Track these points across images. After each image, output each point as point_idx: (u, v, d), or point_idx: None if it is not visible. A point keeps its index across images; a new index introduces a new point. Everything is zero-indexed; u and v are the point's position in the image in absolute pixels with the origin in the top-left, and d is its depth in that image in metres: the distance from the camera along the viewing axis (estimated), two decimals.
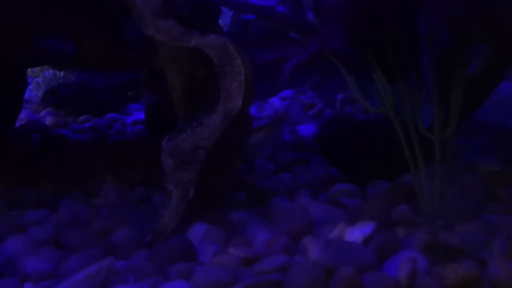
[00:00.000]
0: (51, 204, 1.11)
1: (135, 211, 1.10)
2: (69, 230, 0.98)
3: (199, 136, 0.94)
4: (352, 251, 0.76)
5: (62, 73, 2.12)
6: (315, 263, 0.74)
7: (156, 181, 1.04)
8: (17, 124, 1.65)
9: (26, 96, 2.22)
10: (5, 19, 1.18)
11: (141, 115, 1.79)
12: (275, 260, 0.78)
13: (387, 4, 0.86)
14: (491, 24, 0.86)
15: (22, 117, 1.91)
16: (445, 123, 0.94)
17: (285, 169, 1.28)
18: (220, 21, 2.22)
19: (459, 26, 0.87)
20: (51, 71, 2.14)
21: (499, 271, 0.74)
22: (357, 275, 0.73)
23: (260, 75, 1.00)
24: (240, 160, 1.11)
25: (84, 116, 1.83)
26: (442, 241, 0.81)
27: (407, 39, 0.88)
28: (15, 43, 1.21)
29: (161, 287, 0.77)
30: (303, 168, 1.27)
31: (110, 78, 1.97)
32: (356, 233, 0.80)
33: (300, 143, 1.44)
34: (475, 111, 1.04)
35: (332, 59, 0.89)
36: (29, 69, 2.45)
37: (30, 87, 2.23)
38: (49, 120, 1.80)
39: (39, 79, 2.13)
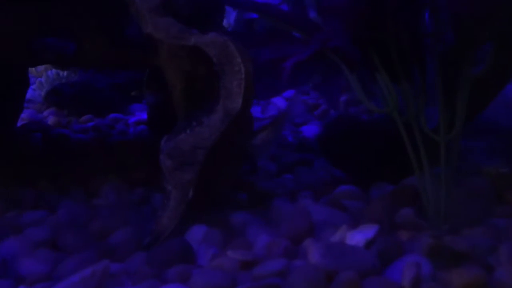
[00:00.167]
0: (50, 204, 1.10)
1: (135, 212, 1.09)
2: (66, 231, 0.96)
3: (199, 136, 0.92)
4: (353, 255, 0.74)
5: (65, 73, 2.11)
6: (315, 267, 0.72)
7: (158, 181, 1.02)
8: (19, 123, 1.65)
9: (29, 96, 2.21)
10: (4, 18, 1.16)
11: (144, 115, 1.77)
12: (274, 263, 0.76)
13: (391, 2, 0.83)
14: (498, 22, 0.83)
15: (25, 117, 1.90)
16: (451, 124, 0.91)
17: (288, 170, 1.26)
18: (224, 20, 2.21)
19: (465, 25, 0.85)
20: (54, 70, 2.13)
21: (506, 277, 0.72)
22: (358, 280, 0.70)
23: (262, 74, 0.98)
24: (241, 161, 1.08)
25: (87, 116, 1.82)
26: (447, 246, 0.78)
27: (411, 37, 0.85)
28: (14, 41, 1.19)
29: None
30: (306, 169, 1.25)
31: (113, 77, 1.96)
32: (358, 237, 0.78)
33: (303, 144, 1.42)
34: (481, 111, 1.02)
35: (334, 58, 0.87)
36: (33, 69, 2.45)
37: (33, 86, 2.22)
38: (51, 120, 1.79)
39: (42, 78, 2.12)
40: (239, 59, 0.89)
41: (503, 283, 0.72)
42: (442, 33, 0.88)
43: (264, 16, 1.01)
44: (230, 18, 2.34)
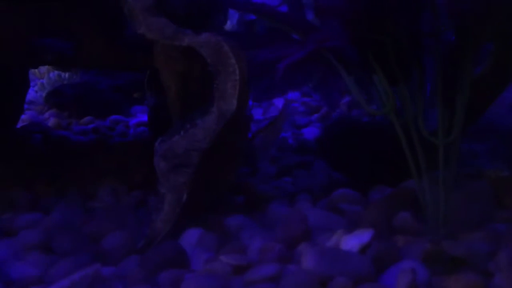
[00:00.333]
0: (45, 207, 1.09)
1: (131, 214, 1.07)
2: (60, 234, 0.95)
3: (193, 138, 0.91)
4: (347, 261, 0.72)
5: (67, 74, 2.10)
6: (308, 272, 0.70)
7: (156, 184, 1.01)
8: (20, 125, 1.64)
9: (31, 97, 2.21)
10: (3, 18, 1.16)
11: (145, 117, 1.76)
12: (267, 268, 0.74)
13: (389, 2, 0.82)
14: (498, 22, 0.81)
15: (26, 118, 1.90)
16: (451, 126, 0.89)
17: (287, 173, 1.25)
18: (228, 22, 2.20)
19: (465, 24, 0.83)
20: (56, 72, 2.13)
21: (504, 283, 0.70)
22: (352, 286, 0.69)
23: (263, 75, 0.97)
24: (238, 163, 1.07)
25: (87, 118, 1.81)
26: (445, 251, 0.76)
27: (410, 38, 0.83)
28: (12, 42, 1.19)
29: None
30: (305, 172, 1.23)
31: (114, 79, 1.95)
32: (352, 241, 0.76)
33: (303, 146, 1.41)
34: (482, 114, 1.00)
35: (332, 59, 0.85)
36: (36, 70, 2.45)
37: (35, 88, 2.22)
38: (51, 121, 1.78)
39: (44, 80, 2.11)
40: (233, 60, 0.88)
41: None
42: (442, 33, 0.86)
43: (261, 17, 1.00)
44: (233, 19, 2.34)
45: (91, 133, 1.65)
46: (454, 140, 0.87)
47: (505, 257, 0.73)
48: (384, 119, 1.09)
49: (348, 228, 0.84)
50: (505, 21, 0.82)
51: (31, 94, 2.27)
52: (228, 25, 2.31)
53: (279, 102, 1.94)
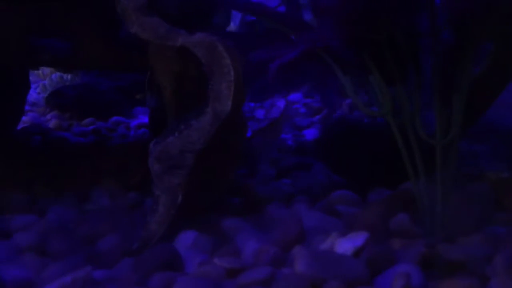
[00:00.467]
0: (41, 208, 1.08)
1: (127, 216, 1.06)
2: (54, 236, 0.94)
3: (187, 139, 0.90)
4: (341, 264, 0.71)
5: (69, 76, 2.10)
6: (300, 276, 0.69)
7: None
8: (22, 126, 1.64)
9: (33, 99, 2.21)
10: (1, 18, 1.15)
11: (146, 119, 1.76)
12: (259, 271, 0.73)
13: (385, 1, 0.80)
14: (497, 21, 0.80)
15: (27, 120, 1.90)
16: (450, 127, 0.88)
17: (286, 175, 1.23)
18: (231, 23, 2.18)
19: (464, 23, 0.81)
20: (58, 74, 2.13)
21: (500, 287, 0.68)
22: None
23: (255, 76, 0.96)
24: (235, 164, 1.06)
25: (88, 119, 1.81)
26: (441, 255, 0.75)
27: (406, 37, 0.82)
28: (9, 42, 1.18)
29: None
30: (304, 173, 1.22)
31: (116, 80, 1.95)
32: (346, 244, 0.75)
33: (303, 148, 1.39)
34: (482, 114, 0.98)
35: (327, 59, 0.84)
36: (40, 72, 2.45)
37: (38, 90, 2.22)
38: (52, 123, 1.78)
39: (46, 81, 2.11)
40: (228, 60, 0.87)
41: None
42: (440, 32, 0.84)
43: (258, 16, 0.99)
44: (236, 20, 2.33)
45: (91, 135, 1.64)
46: (452, 141, 0.86)
47: (502, 261, 0.72)
48: (384, 120, 1.08)
49: (345, 231, 0.83)
50: (505, 19, 0.80)
51: (33, 96, 2.27)
52: (232, 27, 2.30)
53: (281, 103, 1.93)
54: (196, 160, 0.91)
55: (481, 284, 0.69)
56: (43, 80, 2.34)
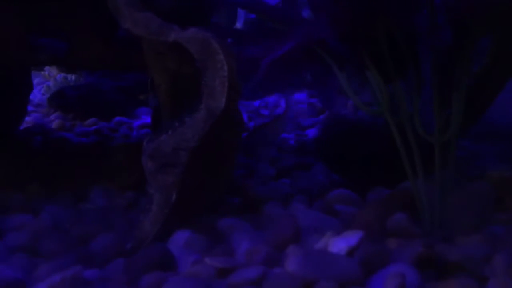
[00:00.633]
0: (36, 208, 1.07)
1: (122, 216, 1.05)
2: (47, 236, 0.93)
3: (181, 137, 0.88)
4: (334, 263, 0.68)
5: (73, 77, 2.10)
6: (291, 276, 0.67)
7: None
8: (25, 127, 1.64)
9: (38, 100, 2.21)
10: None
11: (149, 119, 1.75)
12: (250, 271, 0.71)
13: None
14: (498, 14, 0.77)
15: (30, 121, 1.89)
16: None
17: (285, 174, 1.22)
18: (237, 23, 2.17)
19: (463, 20, 0.79)
20: (62, 74, 2.12)
21: None
22: None
23: (249, 73, 0.94)
24: (233, 163, 1.04)
25: (91, 120, 1.80)
26: (438, 255, 0.73)
27: (404, 32, 0.80)
28: (6, 41, 1.18)
29: None
30: (304, 173, 1.20)
31: (119, 80, 1.94)
32: (340, 244, 0.72)
33: (304, 147, 1.37)
34: (483, 112, 0.95)
35: (322, 53, 0.82)
36: (45, 73, 2.45)
37: (42, 91, 2.22)
38: (55, 123, 1.77)
39: (50, 82, 2.11)
40: (222, 56, 0.85)
41: None
42: (438, 28, 0.82)
43: (254, 13, 0.97)
44: (241, 20, 2.32)
45: (93, 135, 1.63)
46: (451, 139, 0.83)
47: (501, 261, 0.69)
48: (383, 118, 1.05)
49: (341, 230, 0.81)
50: (504, 16, 0.78)
51: (37, 97, 2.27)
52: (237, 26, 2.29)
53: (285, 103, 1.91)
54: (191, 158, 0.90)
55: (479, 285, 0.67)
56: (49, 81, 2.34)
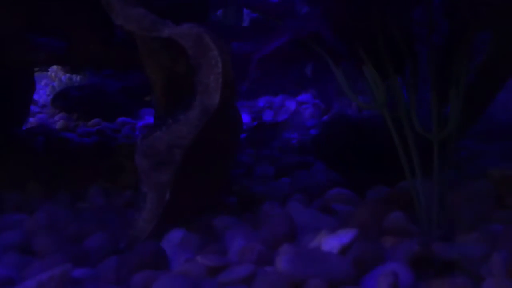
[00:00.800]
0: (33, 207, 1.06)
1: (118, 215, 1.04)
2: (40, 235, 0.92)
3: (175, 134, 0.87)
4: (325, 262, 0.67)
5: (78, 77, 2.10)
6: (280, 274, 0.65)
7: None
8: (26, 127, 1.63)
9: (43, 101, 2.22)
10: None
11: (152, 119, 1.74)
12: (240, 270, 0.70)
13: None
14: (497, 6, 0.75)
15: (35, 121, 1.90)
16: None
17: (286, 173, 1.20)
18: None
19: (460, 12, 0.77)
20: (67, 75, 2.13)
21: None
22: None
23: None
24: (230, 162, 1.03)
25: (95, 120, 1.80)
26: (435, 254, 0.71)
27: (400, 26, 0.78)
28: (6, 41, 1.17)
29: None
30: (304, 172, 1.18)
31: (124, 81, 1.93)
32: (333, 242, 0.71)
33: (305, 147, 1.36)
34: (484, 109, 0.93)
35: (318, 50, 0.80)
36: (52, 74, 2.45)
37: (47, 91, 2.22)
38: (59, 124, 1.77)
39: (55, 83, 2.11)
40: (216, 52, 0.84)
41: None
42: (436, 22, 0.80)
43: (253, 10, 0.95)
44: (247, 19, 2.31)
45: (95, 135, 1.63)
46: (449, 136, 0.81)
47: (498, 260, 0.67)
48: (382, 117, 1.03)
49: (337, 229, 0.79)
50: (505, 6, 0.76)
51: (43, 98, 2.28)
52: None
53: (290, 104, 1.90)
54: (185, 156, 0.89)
55: (474, 284, 0.65)
56: (54, 82, 2.34)
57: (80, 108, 1.79)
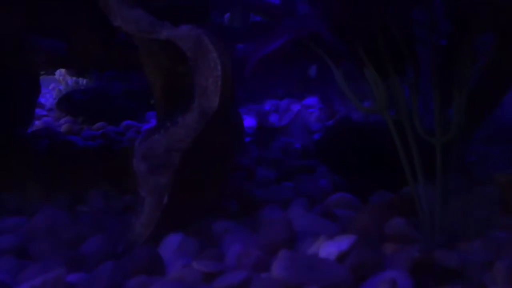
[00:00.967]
0: (33, 210, 1.05)
1: (117, 219, 1.03)
2: (37, 238, 0.91)
3: (173, 137, 0.86)
4: (321, 269, 0.65)
5: (84, 81, 2.10)
6: (275, 281, 0.64)
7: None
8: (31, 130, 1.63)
9: (50, 104, 2.22)
10: None
11: None
12: (235, 276, 0.68)
13: None
14: (499, 7, 0.73)
15: (40, 125, 1.89)
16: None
17: (288, 177, 1.18)
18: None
19: (463, 12, 0.75)
20: (74, 78, 2.12)
21: None
22: None
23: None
24: (229, 166, 1.01)
25: (100, 123, 1.79)
26: (436, 261, 0.69)
27: (402, 27, 0.76)
28: (7, 43, 1.17)
29: None
30: (307, 176, 1.17)
31: (129, 84, 1.93)
32: (330, 248, 0.69)
33: (309, 150, 1.34)
34: (489, 112, 0.91)
35: (318, 51, 0.79)
36: (59, 78, 2.45)
37: (54, 95, 2.22)
38: (63, 127, 1.77)
39: (61, 86, 2.11)
40: (215, 54, 0.82)
41: None
42: (438, 22, 0.78)
43: (250, 10, 0.94)
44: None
45: (99, 139, 1.62)
46: (453, 140, 0.79)
47: (501, 268, 0.65)
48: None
49: (333, 234, 0.77)
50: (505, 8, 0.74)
51: (50, 101, 2.28)
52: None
53: (296, 108, 1.88)
54: (184, 160, 0.87)
55: None
56: (61, 85, 2.34)
57: (85, 111, 1.78)
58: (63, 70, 2.24)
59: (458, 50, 0.75)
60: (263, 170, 1.22)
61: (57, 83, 2.48)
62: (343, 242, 0.69)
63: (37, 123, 1.92)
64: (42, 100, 2.30)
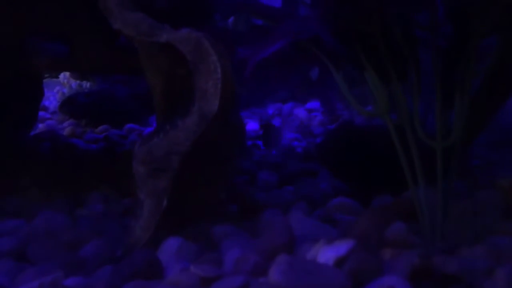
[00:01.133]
0: (32, 213, 1.05)
1: (117, 222, 1.02)
2: (36, 242, 0.91)
3: (173, 141, 0.85)
4: (319, 274, 0.64)
5: (88, 84, 2.10)
6: (272, 286, 0.63)
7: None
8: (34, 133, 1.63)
9: (54, 107, 2.22)
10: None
11: None
12: (233, 281, 0.67)
13: None
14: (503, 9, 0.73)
15: (44, 128, 1.90)
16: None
17: (290, 181, 1.18)
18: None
19: (465, 15, 0.75)
20: (78, 82, 2.13)
21: None
22: None
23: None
24: (230, 170, 1.01)
25: (103, 126, 1.79)
26: (436, 267, 0.68)
27: (403, 29, 0.76)
28: (8, 45, 1.17)
29: None
30: (309, 180, 1.16)
31: (132, 87, 1.93)
32: (328, 253, 0.68)
33: (311, 154, 1.33)
34: (492, 116, 0.90)
35: (319, 54, 0.78)
36: (64, 81, 2.46)
37: (57, 98, 2.23)
38: (66, 130, 1.77)
39: (65, 89, 2.11)
40: (215, 57, 0.82)
41: None
42: (440, 25, 0.78)
43: (250, 13, 0.94)
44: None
45: (102, 142, 1.62)
46: (454, 144, 0.78)
47: (503, 275, 0.64)
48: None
49: (331, 239, 0.76)
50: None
51: (53, 104, 2.28)
52: None
53: (299, 112, 1.88)
54: (183, 164, 0.87)
55: None
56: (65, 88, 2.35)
57: (87, 114, 1.78)
58: (67, 73, 2.24)
59: (460, 52, 0.74)
60: (265, 174, 1.21)
61: (62, 86, 2.49)
62: (341, 247, 0.69)
63: (41, 126, 1.93)
64: (46, 103, 2.31)
